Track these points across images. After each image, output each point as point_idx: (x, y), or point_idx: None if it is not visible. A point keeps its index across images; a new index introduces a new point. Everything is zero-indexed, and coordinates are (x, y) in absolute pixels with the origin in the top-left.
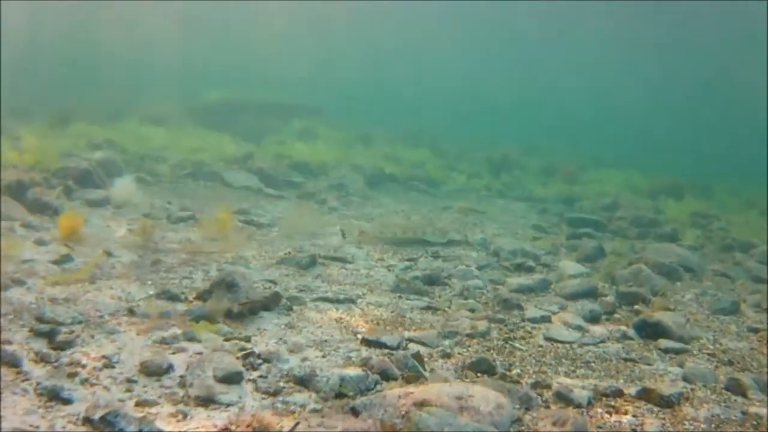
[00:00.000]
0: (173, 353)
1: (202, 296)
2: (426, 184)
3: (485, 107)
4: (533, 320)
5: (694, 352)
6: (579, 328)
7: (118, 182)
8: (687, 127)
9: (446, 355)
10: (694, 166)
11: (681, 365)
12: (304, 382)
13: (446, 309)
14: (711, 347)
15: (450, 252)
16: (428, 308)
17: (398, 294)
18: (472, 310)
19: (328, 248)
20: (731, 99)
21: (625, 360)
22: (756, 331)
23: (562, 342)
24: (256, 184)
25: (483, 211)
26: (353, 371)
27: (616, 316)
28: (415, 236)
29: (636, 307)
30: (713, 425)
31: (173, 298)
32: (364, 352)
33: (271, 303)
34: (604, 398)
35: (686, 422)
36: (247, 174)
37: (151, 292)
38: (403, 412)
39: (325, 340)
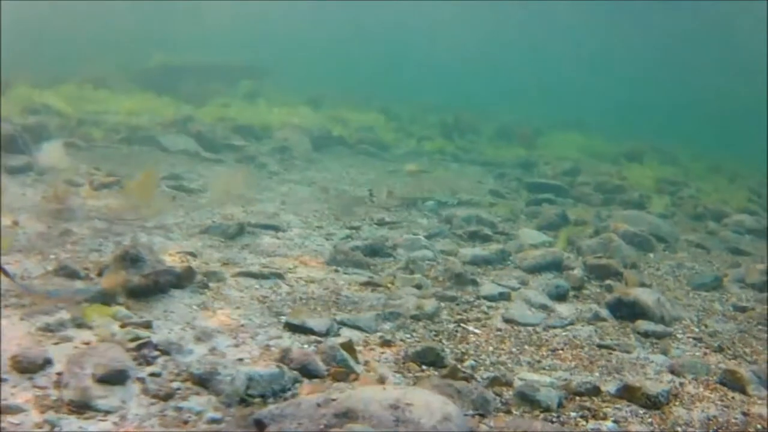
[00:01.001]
0: (56, 343)
1: (103, 272)
2: (376, 147)
3: (439, 69)
4: (490, 298)
5: (678, 335)
6: (543, 307)
7: (46, 147)
8: (644, 92)
9: (386, 343)
10: (653, 131)
11: (665, 353)
12: (203, 382)
13: (389, 285)
14: (696, 330)
15: (397, 218)
16: (368, 284)
17: (334, 267)
18: (419, 287)
19: (262, 215)
20: (695, 67)
21: (600, 347)
22: (743, 309)
23: (524, 325)
24: (194, 147)
25: (431, 171)
26: (265, 368)
27: (586, 292)
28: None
29: (607, 281)
30: (711, 431)
31: (72, 274)
32: (287, 339)
33: (183, 279)
34: (577, 398)
35: (678, 428)
36: (186, 138)
37: (50, 268)
38: (321, 426)
39: (242, 325)
